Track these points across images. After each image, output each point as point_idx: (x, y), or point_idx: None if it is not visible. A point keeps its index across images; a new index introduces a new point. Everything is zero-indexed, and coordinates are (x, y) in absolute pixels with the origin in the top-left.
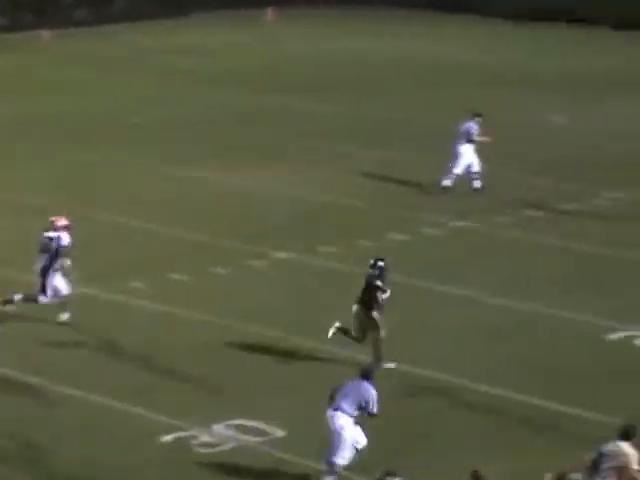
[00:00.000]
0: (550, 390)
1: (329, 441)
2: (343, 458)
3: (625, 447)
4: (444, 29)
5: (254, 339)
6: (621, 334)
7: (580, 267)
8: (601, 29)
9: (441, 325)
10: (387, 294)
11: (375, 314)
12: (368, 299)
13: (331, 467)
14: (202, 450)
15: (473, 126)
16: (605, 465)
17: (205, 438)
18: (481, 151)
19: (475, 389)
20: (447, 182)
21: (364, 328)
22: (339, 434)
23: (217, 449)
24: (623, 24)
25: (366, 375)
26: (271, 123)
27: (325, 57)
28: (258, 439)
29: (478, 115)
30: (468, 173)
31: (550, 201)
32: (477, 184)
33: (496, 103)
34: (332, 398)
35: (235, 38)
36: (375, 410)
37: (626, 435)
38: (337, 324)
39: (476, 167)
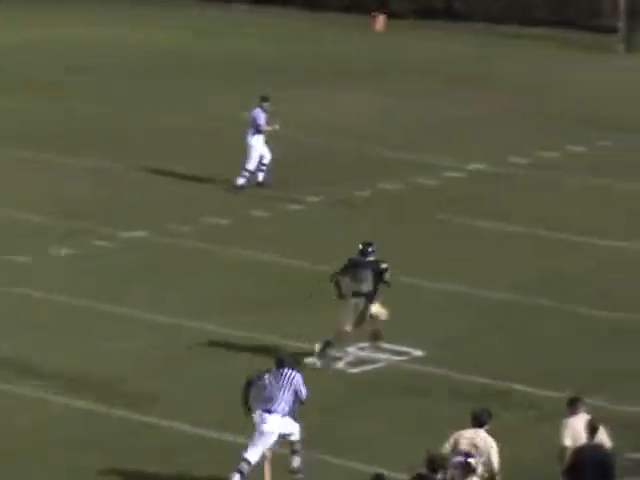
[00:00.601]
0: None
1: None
2: (299, 433)
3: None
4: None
5: None
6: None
7: (266, 281)
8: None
9: (98, 350)
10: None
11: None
12: (372, 289)
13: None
14: None
15: (260, 114)
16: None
17: None
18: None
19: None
20: (241, 181)
21: (360, 320)
22: (286, 435)
23: None
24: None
25: (281, 363)
26: None
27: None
28: None
29: (265, 100)
30: (259, 165)
31: (238, 207)
32: (261, 177)
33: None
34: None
35: None
36: (304, 393)
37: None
38: (316, 348)
39: (266, 159)
